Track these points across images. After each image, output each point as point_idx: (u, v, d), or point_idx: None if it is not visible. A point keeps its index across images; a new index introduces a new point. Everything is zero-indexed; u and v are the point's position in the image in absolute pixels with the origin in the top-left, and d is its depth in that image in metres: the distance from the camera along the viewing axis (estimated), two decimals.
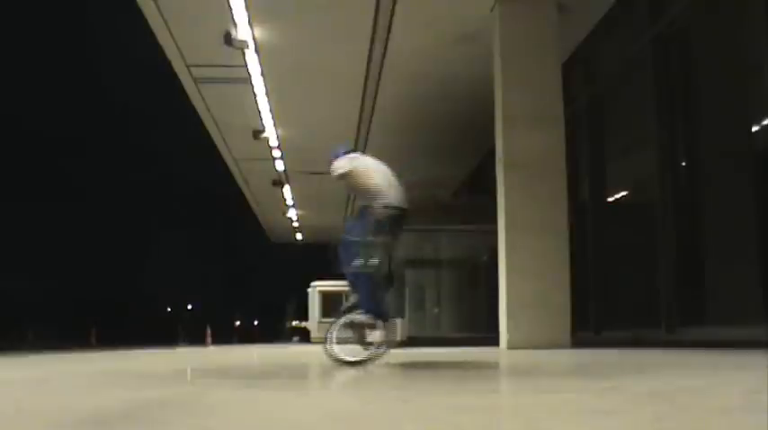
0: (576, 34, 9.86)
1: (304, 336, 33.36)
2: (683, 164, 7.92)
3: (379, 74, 11.50)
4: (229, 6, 9.31)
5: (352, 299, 5.34)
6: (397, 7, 9.32)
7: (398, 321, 11.70)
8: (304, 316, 32.97)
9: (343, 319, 5.24)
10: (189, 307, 69.44)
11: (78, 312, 52.25)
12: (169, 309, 71.74)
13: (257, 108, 12.89)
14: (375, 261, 5.17)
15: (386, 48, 10.54)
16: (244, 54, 10.63)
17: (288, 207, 21.68)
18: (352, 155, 5.77)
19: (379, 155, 5.92)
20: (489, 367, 5.28)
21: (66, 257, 68.15)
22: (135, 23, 11.24)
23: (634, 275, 9.39)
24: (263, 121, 13.67)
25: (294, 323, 42.87)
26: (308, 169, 16.64)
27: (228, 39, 10.12)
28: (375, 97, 12.49)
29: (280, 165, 16.73)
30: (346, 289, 5.70)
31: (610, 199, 9.93)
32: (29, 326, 38.29)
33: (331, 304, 27.73)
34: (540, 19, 8.67)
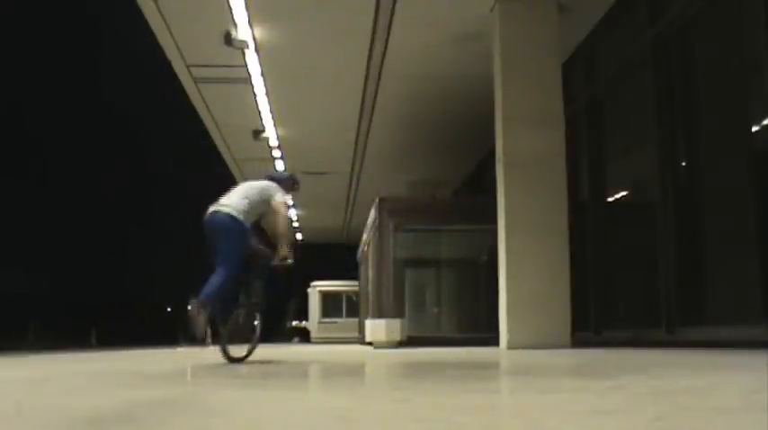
0: (576, 34, 9.85)
1: (304, 337, 33.37)
2: (683, 164, 7.91)
3: (379, 73, 11.50)
4: (229, 6, 9.32)
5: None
6: (397, 7, 9.32)
7: (399, 321, 11.69)
8: (304, 316, 32.98)
9: None
10: (189, 307, 69.29)
11: (78, 312, 52.24)
12: (169, 309, 71.68)
13: (257, 108, 12.90)
14: None
15: (386, 47, 10.54)
16: (244, 54, 10.64)
17: (288, 207, 21.68)
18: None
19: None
20: (489, 367, 5.28)
21: (67, 258, 68.13)
22: (135, 23, 11.24)
23: (634, 275, 9.39)
24: (263, 121, 13.67)
25: (294, 323, 42.84)
26: (308, 169, 16.64)
27: (228, 39, 10.13)
28: (375, 97, 12.49)
29: (280, 165, 16.74)
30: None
31: (610, 199, 9.93)
32: (29, 325, 38.27)
33: (331, 304, 27.79)
34: (540, 19, 8.67)
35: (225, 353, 5.76)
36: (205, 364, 6.68)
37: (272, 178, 6.22)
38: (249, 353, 6.03)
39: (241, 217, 5.68)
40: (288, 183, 6.35)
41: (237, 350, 5.91)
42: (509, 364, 5.55)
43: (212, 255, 5.65)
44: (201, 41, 10.64)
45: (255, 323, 6.20)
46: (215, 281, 5.50)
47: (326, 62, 11.25)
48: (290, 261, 5.82)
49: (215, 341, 6.17)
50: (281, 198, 5.92)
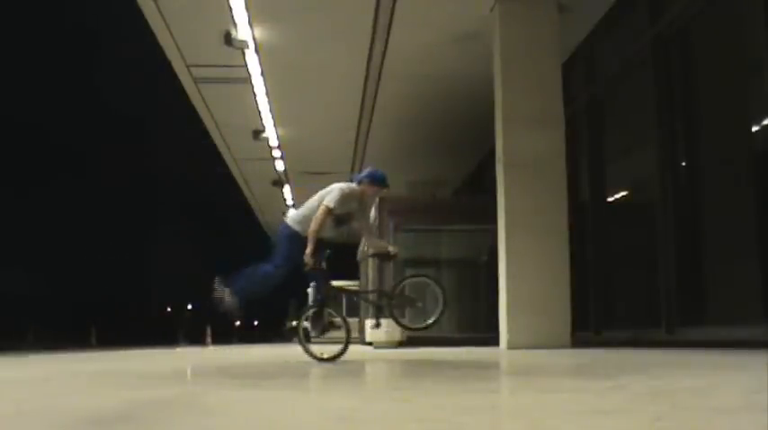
0: (576, 34, 9.85)
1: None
2: (683, 164, 7.92)
3: (379, 73, 11.50)
4: (229, 6, 9.31)
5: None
6: (397, 7, 9.31)
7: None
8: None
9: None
10: (189, 307, 69.40)
11: (78, 312, 52.25)
12: (169, 309, 71.69)
13: (257, 108, 12.89)
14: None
15: (386, 47, 10.53)
16: (244, 54, 10.63)
17: (288, 207, 21.70)
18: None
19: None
20: (489, 367, 5.28)
21: (67, 258, 68.13)
22: (135, 23, 11.25)
23: (634, 275, 9.38)
24: (263, 121, 13.67)
25: (294, 323, 42.76)
26: (308, 169, 16.65)
27: (228, 39, 10.13)
28: (375, 97, 12.49)
29: (280, 165, 16.74)
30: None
31: (610, 199, 9.93)
32: (29, 325, 38.29)
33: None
34: (540, 19, 8.67)
35: (306, 351, 5.87)
36: (205, 364, 6.68)
37: (353, 179, 6.25)
38: (340, 353, 5.87)
39: (294, 225, 6.04)
40: (367, 182, 6.11)
41: (320, 349, 5.95)
42: (509, 364, 5.55)
43: None
44: (201, 41, 10.64)
45: (335, 322, 6.20)
46: (249, 269, 5.96)
47: (326, 62, 11.25)
48: (308, 266, 5.84)
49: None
50: (326, 201, 5.92)
